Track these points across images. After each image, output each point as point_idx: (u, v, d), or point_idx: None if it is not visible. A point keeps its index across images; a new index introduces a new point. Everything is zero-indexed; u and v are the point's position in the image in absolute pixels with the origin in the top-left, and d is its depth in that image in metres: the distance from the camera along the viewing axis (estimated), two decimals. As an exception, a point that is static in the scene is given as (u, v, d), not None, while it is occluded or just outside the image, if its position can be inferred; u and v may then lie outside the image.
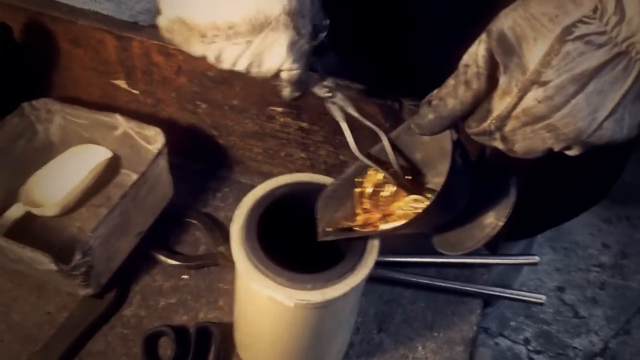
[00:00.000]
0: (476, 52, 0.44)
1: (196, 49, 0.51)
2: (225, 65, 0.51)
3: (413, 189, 0.58)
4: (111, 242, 0.69)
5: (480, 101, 0.46)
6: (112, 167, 0.82)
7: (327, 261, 0.57)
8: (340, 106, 0.59)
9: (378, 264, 0.73)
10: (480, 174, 0.54)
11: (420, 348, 0.71)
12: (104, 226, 0.66)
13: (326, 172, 0.79)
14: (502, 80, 0.44)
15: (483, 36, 0.44)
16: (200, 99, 0.76)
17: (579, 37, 0.40)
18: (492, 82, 0.45)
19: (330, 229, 0.59)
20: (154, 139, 0.73)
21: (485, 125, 0.46)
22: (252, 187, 0.83)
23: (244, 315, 0.65)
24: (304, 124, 0.74)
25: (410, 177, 0.59)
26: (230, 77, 0.72)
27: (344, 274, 0.55)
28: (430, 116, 0.48)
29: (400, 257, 0.78)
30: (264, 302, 0.57)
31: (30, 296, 0.73)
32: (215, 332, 0.69)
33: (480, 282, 0.78)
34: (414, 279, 0.76)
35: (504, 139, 0.46)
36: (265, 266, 0.55)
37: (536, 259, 0.78)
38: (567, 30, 0.40)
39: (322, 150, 0.77)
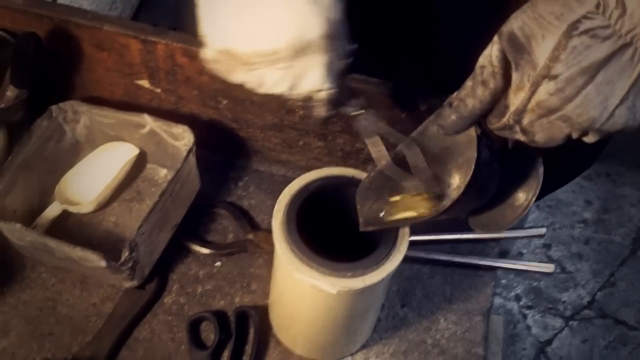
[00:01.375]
0: (490, 54, 0.48)
1: (239, 76, 0.52)
2: (265, 89, 0.53)
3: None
4: (153, 237, 0.73)
5: (498, 99, 0.50)
6: (139, 163, 0.85)
7: (363, 248, 0.62)
8: (370, 122, 0.59)
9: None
10: (506, 158, 0.59)
11: (442, 320, 0.78)
12: (146, 223, 0.71)
13: (343, 160, 0.84)
14: (515, 76, 0.47)
15: (495, 38, 0.48)
16: (222, 95, 0.80)
17: (585, 32, 0.43)
18: (507, 79, 0.48)
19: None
20: (182, 136, 0.77)
21: (504, 120, 0.50)
22: (271, 175, 0.89)
23: (283, 300, 0.70)
24: (324, 116, 0.79)
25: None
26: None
27: (381, 260, 0.60)
28: (453, 117, 0.52)
29: (417, 236, 0.83)
30: (306, 289, 0.62)
31: (74, 290, 0.78)
32: (253, 315, 0.75)
33: (492, 256, 0.84)
34: (431, 256, 0.82)
35: (524, 131, 0.49)
36: (307, 257, 0.60)
37: (543, 231, 0.84)
38: (573, 26, 0.43)
39: (339, 139, 0.81)
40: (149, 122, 0.79)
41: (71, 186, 0.81)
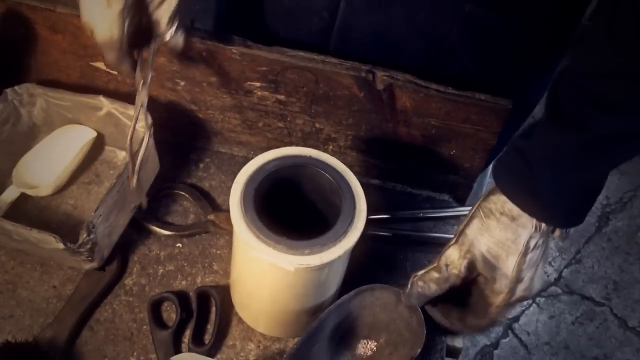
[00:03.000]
0: (459, 262, 0.64)
1: None
2: None
3: None
4: (110, 218, 0.73)
5: (453, 289, 0.65)
6: (96, 145, 0.85)
7: (321, 226, 0.63)
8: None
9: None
10: None
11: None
12: (104, 205, 0.71)
13: (303, 140, 0.85)
14: (493, 285, 0.62)
15: (463, 251, 0.63)
16: (180, 77, 0.80)
17: (533, 248, 0.61)
18: (463, 281, 0.64)
19: None
20: (139, 118, 0.77)
21: (491, 316, 0.64)
22: (232, 156, 0.89)
23: (243, 279, 0.71)
24: (281, 97, 0.79)
25: None
26: (208, 56, 0.76)
27: (338, 237, 0.61)
28: (417, 294, 0.66)
29: (378, 215, 0.84)
30: (264, 267, 0.63)
31: (34, 272, 0.77)
32: (214, 295, 0.75)
33: (452, 232, 0.85)
34: (392, 234, 0.83)
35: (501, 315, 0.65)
36: (265, 235, 0.60)
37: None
38: (526, 246, 0.61)
39: (298, 120, 0.82)
40: (105, 104, 0.79)
41: (28, 169, 0.81)
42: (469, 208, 0.86)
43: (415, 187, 0.87)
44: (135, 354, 0.73)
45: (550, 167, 0.58)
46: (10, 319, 0.74)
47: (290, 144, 0.85)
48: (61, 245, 0.68)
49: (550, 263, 1.97)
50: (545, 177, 0.58)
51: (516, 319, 1.85)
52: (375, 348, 0.72)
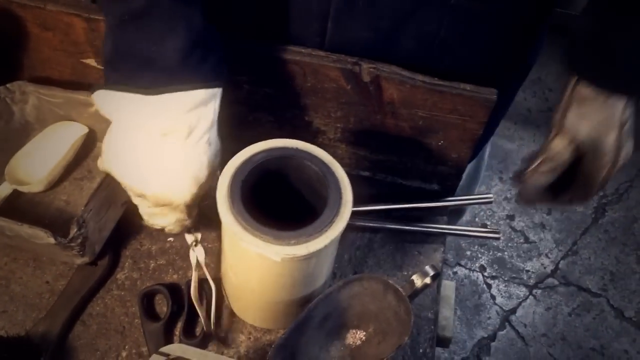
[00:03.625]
0: (566, 150, 0.69)
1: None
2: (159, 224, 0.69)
3: None
4: (101, 213, 0.74)
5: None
6: (89, 141, 0.86)
7: (308, 216, 0.63)
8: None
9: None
10: None
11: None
12: (94, 200, 0.71)
13: (293, 133, 0.85)
14: (601, 161, 0.68)
15: (568, 140, 0.69)
16: (170, 71, 0.80)
17: (627, 120, 0.67)
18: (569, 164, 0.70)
19: None
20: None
21: (599, 186, 0.70)
22: (224, 150, 0.89)
23: (232, 271, 0.71)
24: (270, 90, 0.80)
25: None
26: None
27: (324, 227, 0.62)
28: (532, 189, 0.71)
29: (368, 206, 0.85)
30: (252, 258, 0.63)
31: (27, 268, 0.78)
32: (206, 287, 0.76)
33: (441, 223, 0.86)
34: (382, 225, 0.84)
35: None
36: (252, 226, 0.61)
37: (491, 197, 0.86)
38: (621, 121, 0.66)
39: (288, 113, 0.82)
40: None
41: (21, 166, 0.82)
42: (459, 198, 0.88)
43: (405, 179, 0.88)
44: (127, 347, 0.73)
45: (630, 43, 0.63)
46: (3, 314, 0.75)
47: (281, 137, 0.86)
48: (52, 240, 0.69)
49: (546, 255, 1.97)
50: (628, 53, 0.63)
51: (513, 311, 1.85)
52: (364, 337, 0.72)
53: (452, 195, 0.88)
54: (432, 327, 0.77)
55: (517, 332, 1.82)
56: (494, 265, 1.94)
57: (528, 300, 1.88)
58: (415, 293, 0.70)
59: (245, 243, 0.61)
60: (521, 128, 2.27)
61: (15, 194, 0.81)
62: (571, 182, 0.72)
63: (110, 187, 0.74)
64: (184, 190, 0.63)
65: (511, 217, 2.04)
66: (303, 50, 0.74)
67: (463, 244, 1.96)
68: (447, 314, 0.86)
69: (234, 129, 0.86)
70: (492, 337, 1.81)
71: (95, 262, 0.77)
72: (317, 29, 0.74)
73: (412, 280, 0.70)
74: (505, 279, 1.91)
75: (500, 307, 1.86)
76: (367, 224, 0.84)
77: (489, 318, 1.84)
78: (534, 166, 0.70)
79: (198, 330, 0.74)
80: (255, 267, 0.66)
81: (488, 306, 1.86)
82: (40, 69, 0.84)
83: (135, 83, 0.59)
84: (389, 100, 0.76)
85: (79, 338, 0.74)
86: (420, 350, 0.76)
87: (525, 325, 1.83)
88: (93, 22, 0.76)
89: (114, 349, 0.73)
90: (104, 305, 0.76)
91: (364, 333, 0.73)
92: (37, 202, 0.82)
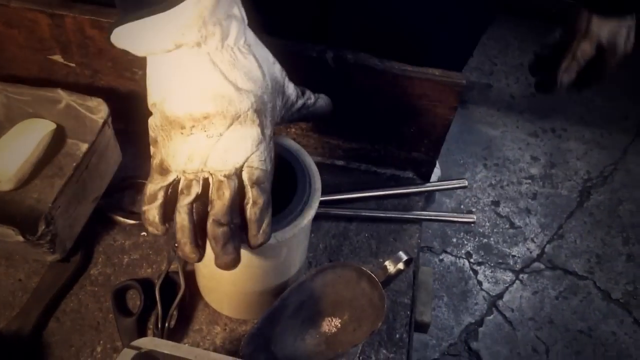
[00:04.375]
0: (591, 49, 0.91)
1: (174, 146, 0.54)
2: (196, 162, 0.53)
3: None
4: (70, 210, 0.73)
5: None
6: (59, 138, 0.85)
7: (276, 205, 0.63)
8: None
9: (323, 203, 0.81)
10: None
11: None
12: (62, 196, 0.71)
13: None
14: (616, 51, 0.92)
15: (594, 42, 0.91)
16: (137, 65, 0.80)
17: (631, 29, 0.93)
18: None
19: None
20: (97, 109, 0.77)
21: (615, 68, 0.94)
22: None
23: (204, 262, 0.71)
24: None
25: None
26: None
27: (293, 216, 0.62)
28: (567, 81, 0.93)
29: (343, 195, 0.85)
30: None
31: (-1, 267, 0.78)
32: (178, 281, 0.76)
33: (417, 209, 0.86)
34: (357, 213, 0.84)
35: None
36: None
37: (465, 182, 0.86)
38: (629, 27, 0.92)
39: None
40: (64, 96, 0.79)
41: (-10, 165, 0.81)
42: (433, 184, 0.88)
43: (379, 166, 0.88)
44: (101, 342, 0.73)
45: None
46: (-24, 313, 0.74)
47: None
48: (20, 238, 0.68)
49: (532, 239, 1.98)
50: None
51: (500, 296, 1.86)
52: (339, 325, 0.72)
53: (427, 182, 0.87)
54: (409, 312, 0.78)
55: (505, 317, 1.82)
56: (480, 252, 1.94)
57: (515, 285, 1.89)
58: (389, 279, 0.70)
59: None
60: (504, 114, 2.27)
61: (-15, 192, 0.81)
62: (591, 71, 0.93)
63: (79, 183, 0.73)
64: (244, 95, 0.54)
65: (496, 203, 2.04)
66: (269, 39, 0.74)
67: (448, 232, 1.96)
68: (425, 299, 0.86)
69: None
70: (480, 322, 1.81)
71: (67, 258, 0.76)
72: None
73: (385, 266, 0.69)
74: (492, 264, 1.92)
75: (487, 293, 1.87)
76: (341, 213, 0.83)
77: (476, 304, 1.84)
78: (564, 66, 0.92)
79: (172, 324, 0.74)
80: None
81: (475, 292, 1.87)
82: (7, 67, 0.83)
83: (147, 4, 0.52)
84: (358, 87, 0.75)
85: (53, 334, 0.73)
86: (397, 336, 0.76)
87: (512, 310, 1.84)
88: (57, 17, 0.75)
89: (89, 345, 0.73)
90: (78, 301, 0.76)
91: (339, 320, 0.73)
92: (7, 201, 0.81)
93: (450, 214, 0.86)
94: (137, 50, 0.55)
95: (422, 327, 0.86)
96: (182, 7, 0.51)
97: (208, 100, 0.53)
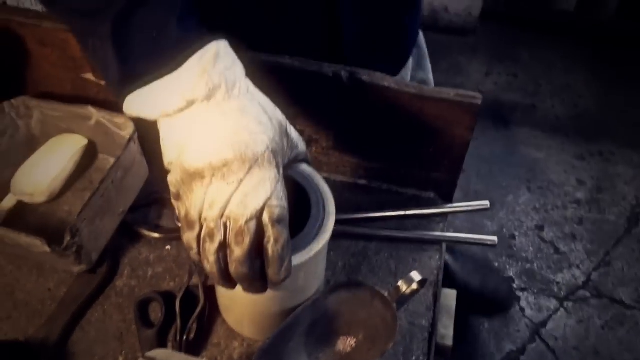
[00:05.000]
0: None
1: (196, 196, 0.55)
2: (216, 210, 0.55)
3: None
4: (96, 222, 0.76)
5: None
6: (91, 153, 0.88)
7: (291, 229, 0.64)
8: None
9: (343, 222, 0.81)
10: None
11: (386, 294, 0.79)
12: (88, 209, 0.73)
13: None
14: None
15: None
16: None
17: None
18: None
19: None
20: (125, 126, 0.80)
21: None
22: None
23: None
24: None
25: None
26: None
27: (308, 241, 0.62)
28: None
29: (363, 214, 0.85)
30: None
31: (31, 276, 0.81)
32: (199, 295, 0.77)
33: (438, 230, 0.85)
34: (376, 233, 0.84)
35: None
36: None
37: (487, 204, 0.85)
38: None
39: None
40: (94, 113, 0.83)
41: (25, 178, 0.85)
42: (454, 205, 0.87)
43: (401, 186, 0.88)
44: (123, 352, 0.75)
45: None
46: (7, 320, 0.77)
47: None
48: (47, 248, 0.71)
49: (577, 266, 1.92)
50: None
51: (543, 323, 1.81)
52: (354, 344, 0.72)
53: (449, 202, 0.87)
54: (426, 334, 0.77)
55: (548, 346, 1.77)
56: (523, 277, 1.89)
57: (559, 313, 1.83)
58: (403, 299, 0.70)
59: None
60: (549, 136, 2.23)
61: (20, 205, 0.84)
62: None
63: (105, 197, 0.76)
64: (259, 137, 0.56)
65: (540, 228, 2.00)
66: (287, 59, 0.75)
67: (490, 256, 1.92)
68: (447, 322, 0.85)
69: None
70: (522, 350, 1.77)
71: (94, 269, 0.79)
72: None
73: (398, 287, 0.69)
74: (535, 291, 1.87)
75: (530, 320, 1.82)
76: (361, 232, 0.84)
77: (518, 331, 1.80)
78: None
79: (191, 337, 0.75)
80: None
81: (517, 319, 1.82)
82: (42, 84, 0.88)
83: (153, 71, 0.55)
84: (375, 107, 0.76)
85: (78, 344, 0.76)
86: (413, 358, 0.75)
87: (556, 339, 1.78)
88: (89, 37, 0.79)
89: (111, 355, 0.75)
90: (103, 312, 0.78)
91: (354, 340, 0.72)
92: (41, 213, 0.85)
93: (472, 236, 0.85)
94: (150, 114, 0.57)
95: (444, 351, 0.85)
96: (187, 65, 0.55)
97: (225, 148, 0.55)
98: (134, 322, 0.77)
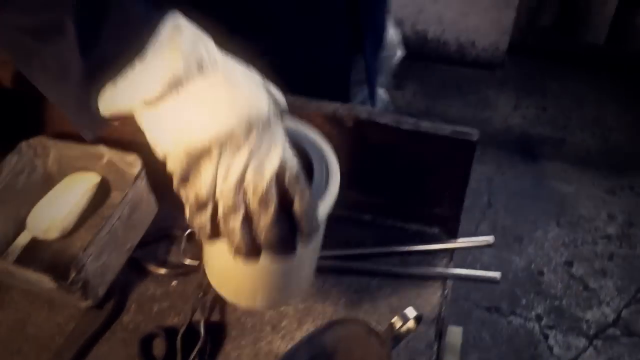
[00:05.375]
0: None
1: (206, 174, 0.52)
2: (232, 181, 0.52)
3: None
4: (103, 258, 0.78)
5: None
6: (104, 191, 0.91)
7: None
8: None
9: (346, 257, 0.82)
10: None
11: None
12: (94, 245, 0.76)
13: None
14: None
15: None
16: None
17: None
18: None
19: None
20: (134, 164, 0.83)
21: None
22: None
23: (216, 254, 0.67)
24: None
25: None
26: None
27: (322, 192, 0.59)
28: None
29: (366, 249, 0.85)
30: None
31: (42, 310, 0.83)
32: (200, 330, 0.78)
33: (442, 266, 0.85)
34: (379, 268, 0.84)
35: None
36: None
37: (491, 239, 0.84)
38: None
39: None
40: (105, 152, 0.86)
41: (40, 215, 0.88)
42: (459, 241, 0.87)
43: (406, 221, 0.88)
44: (127, 387, 0.76)
45: None
46: (17, 354, 0.80)
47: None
48: (54, 284, 0.73)
49: (607, 303, 1.87)
50: None
51: (573, 362, 1.76)
52: (352, 382, 0.72)
53: (454, 237, 0.86)
54: (426, 371, 0.76)
55: (577, 385, 1.72)
56: (551, 315, 1.85)
57: (588, 352, 1.78)
58: (398, 336, 0.70)
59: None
60: (579, 170, 2.19)
61: (37, 242, 0.87)
62: None
63: (112, 233, 0.78)
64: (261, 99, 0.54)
65: (569, 264, 1.96)
66: (288, 98, 0.77)
67: (518, 292, 1.89)
68: (453, 360, 0.84)
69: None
70: (550, 390, 1.72)
71: (101, 305, 0.81)
72: None
73: (392, 323, 0.69)
74: (564, 328, 1.82)
75: (558, 359, 1.77)
76: (364, 268, 0.84)
77: (547, 370, 1.76)
78: None
79: (192, 372, 0.76)
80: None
81: (545, 357, 1.78)
82: (60, 124, 0.91)
83: (120, 55, 0.51)
84: (375, 144, 0.77)
85: (83, 378, 0.77)
86: (413, 397, 0.74)
87: (586, 378, 1.74)
88: (100, 80, 0.82)
89: (115, 390, 0.76)
90: (109, 347, 0.80)
91: None
92: (55, 250, 0.88)
93: (474, 272, 0.84)
94: (129, 105, 0.53)
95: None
96: (155, 46, 0.51)
97: (227, 117, 0.52)
98: (137, 358, 0.78)
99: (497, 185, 2.14)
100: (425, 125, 0.73)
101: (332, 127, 0.77)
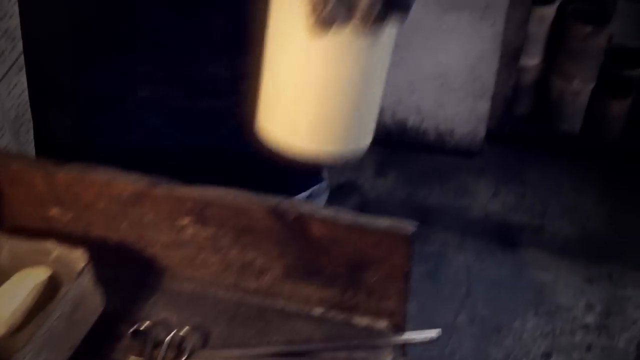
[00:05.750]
0: None
1: None
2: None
3: None
4: (42, 356, 0.77)
5: None
6: (54, 287, 0.91)
7: None
8: None
9: (290, 354, 0.81)
10: None
11: None
12: (31, 344, 0.75)
13: (240, 273, 0.88)
14: None
15: None
16: (121, 218, 0.86)
17: None
18: None
19: None
20: (79, 259, 0.83)
21: None
22: (180, 292, 0.93)
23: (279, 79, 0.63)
24: (211, 231, 0.84)
25: None
26: (141, 197, 0.82)
27: None
28: None
29: (311, 345, 0.84)
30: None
31: (-20, 412, 0.81)
32: None
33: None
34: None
35: None
36: None
37: (434, 333, 0.82)
38: None
39: (231, 254, 0.85)
40: (54, 247, 0.86)
41: (-12, 312, 0.87)
42: (405, 335, 0.86)
43: (355, 315, 0.87)
44: None
45: None
46: None
47: (230, 278, 0.89)
48: (-13, 385, 0.72)
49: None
50: None
51: None
52: None
53: (402, 332, 0.86)
54: None
55: None
56: (533, 408, 1.80)
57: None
58: None
59: None
60: (557, 258, 2.19)
61: (-19, 339, 0.86)
62: None
63: (51, 331, 0.77)
64: None
65: (547, 355, 1.92)
66: (230, 192, 0.79)
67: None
68: None
69: (187, 270, 0.90)
70: None
71: (40, 405, 0.79)
72: None
73: None
74: (545, 423, 1.77)
75: None
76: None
77: None
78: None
79: None
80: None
81: None
82: (13, 220, 0.93)
83: None
84: (316, 237, 0.78)
85: None
86: None
87: None
88: (50, 176, 0.84)
89: None
90: None
91: None
92: (2, 347, 0.86)
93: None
94: None
95: None
96: None
97: None
98: None
99: (476, 273, 2.13)
100: (362, 219, 0.74)
101: (275, 221, 0.78)
